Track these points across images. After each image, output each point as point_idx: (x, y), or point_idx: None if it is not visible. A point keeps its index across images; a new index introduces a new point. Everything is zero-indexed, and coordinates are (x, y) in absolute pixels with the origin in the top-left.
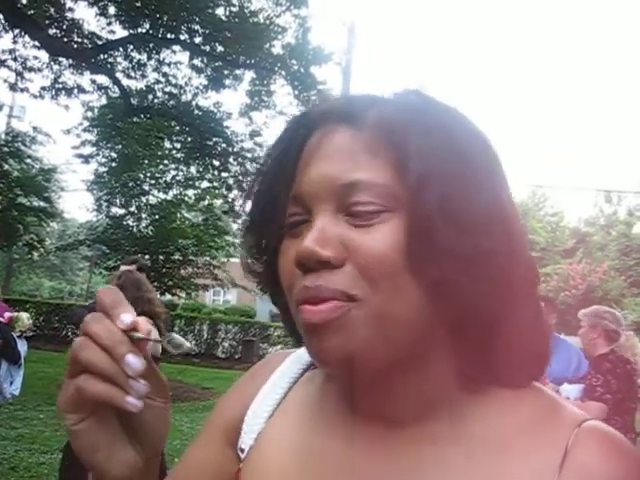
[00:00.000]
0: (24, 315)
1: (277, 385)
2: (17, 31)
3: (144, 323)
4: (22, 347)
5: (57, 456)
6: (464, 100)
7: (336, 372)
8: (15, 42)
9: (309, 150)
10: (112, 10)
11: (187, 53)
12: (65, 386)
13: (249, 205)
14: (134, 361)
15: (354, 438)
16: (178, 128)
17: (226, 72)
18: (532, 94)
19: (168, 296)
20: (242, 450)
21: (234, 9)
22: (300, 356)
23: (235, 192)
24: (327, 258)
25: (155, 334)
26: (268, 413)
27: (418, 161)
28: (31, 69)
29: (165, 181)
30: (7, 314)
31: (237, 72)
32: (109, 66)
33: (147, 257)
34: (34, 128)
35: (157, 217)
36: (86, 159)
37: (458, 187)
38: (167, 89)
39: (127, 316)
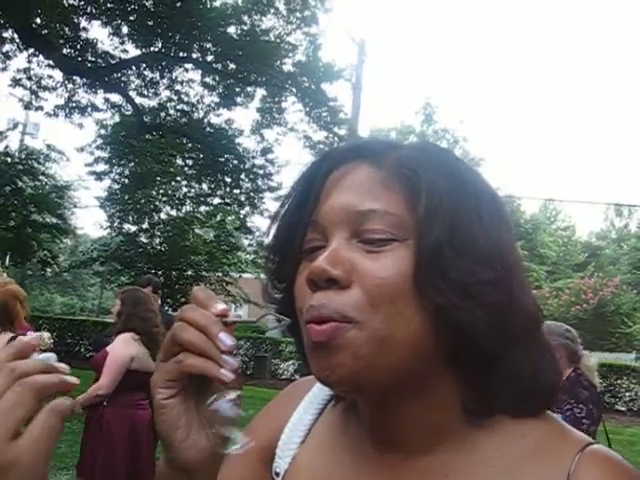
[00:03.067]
0: (45, 335)
1: (307, 412)
2: (32, 50)
3: (231, 311)
4: None
5: (73, 472)
6: (474, 115)
7: (338, 392)
8: (30, 61)
9: (331, 182)
10: (125, 29)
11: (199, 71)
12: (160, 366)
13: (272, 233)
14: (226, 339)
15: (378, 470)
16: (190, 145)
17: (237, 90)
18: (543, 108)
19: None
20: (277, 474)
21: (245, 27)
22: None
23: (247, 209)
24: (335, 276)
25: (139, 350)
26: (301, 438)
27: (428, 195)
28: (45, 88)
29: (177, 198)
30: (30, 333)
31: (248, 89)
32: (122, 84)
33: (160, 273)
34: (48, 146)
35: (170, 234)
36: (99, 176)
37: (464, 221)
38: (179, 107)
39: (219, 304)
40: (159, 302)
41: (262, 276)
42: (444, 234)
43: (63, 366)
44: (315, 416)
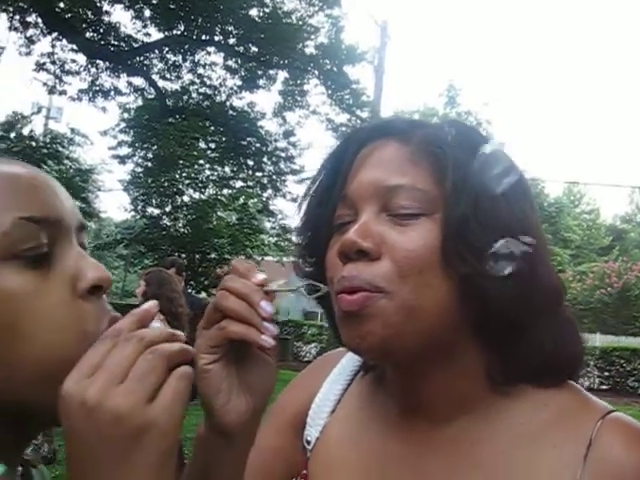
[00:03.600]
0: None
1: (336, 382)
2: (55, 35)
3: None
4: None
5: None
6: (498, 98)
7: (369, 359)
8: (53, 46)
9: (360, 159)
10: (147, 13)
11: (221, 54)
12: (203, 333)
13: (304, 209)
14: (267, 306)
15: (405, 438)
16: (212, 128)
17: (260, 72)
18: (568, 90)
19: (203, 294)
20: (308, 442)
21: (267, 10)
22: (354, 356)
23: (269, 191)
24: (365, 248)
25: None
26: (330, 408)
27: (454, 171)
28: (69, 72)
29: (200, 181)
30: None
31: (270, 72)
32: (145, 68)
33: (183, 256)
34: (72, 130)
35: (193, 217)
36: (122, 160)
37: (489, 195)
38: (202, 90)
39: (259, 274)
40: (183, 284)
41: (284, 259)
42: (469, 208)
43: (180, 334)
44: (344, 387)
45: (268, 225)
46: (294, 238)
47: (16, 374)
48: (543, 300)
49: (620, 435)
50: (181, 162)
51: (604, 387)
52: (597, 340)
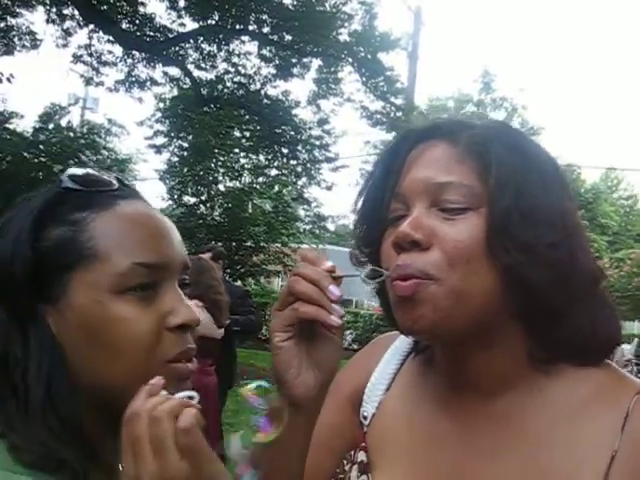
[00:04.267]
0: None
1: (390, 363)
2: (92, 27)
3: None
4: None
5: None
6: (533, 83)
7: (420, 339)
8: (90, 38)
9: (411, 159)
10: (182, 3)
11: (255, 43)
12: (277, 314)
13: (359, 205)
14: (335, 290)
15: (454, 413)
16: (247, 117)
17: (294, 61)
18: (605, 75)
19: (239, 282)
20: (365, 417)
21: None
22: (406, 339)
23: (304, 179)
24: (417, 239)
25: (204, 317)
26: (385, 386)
27: (497, 168)
28: (106, 63)
29: (235, 169)
30: None
31: (304, 60)
32: (180, 58)
33: (220, 244)
34: (109, 120)
35: (229, 205)
36: (158, 149)
37: (529, 191)
38: (236, 79)
39: (327, 262)
40: (221, 271)
41: (320, 246)
42: (512, 202)
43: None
44: (397, 367)
45: (303, 213)
46: (328, 225)
47: (114, 379)
48: (581, 285)
49: None
50: (216, 151)
51: None
52: (635, 327)
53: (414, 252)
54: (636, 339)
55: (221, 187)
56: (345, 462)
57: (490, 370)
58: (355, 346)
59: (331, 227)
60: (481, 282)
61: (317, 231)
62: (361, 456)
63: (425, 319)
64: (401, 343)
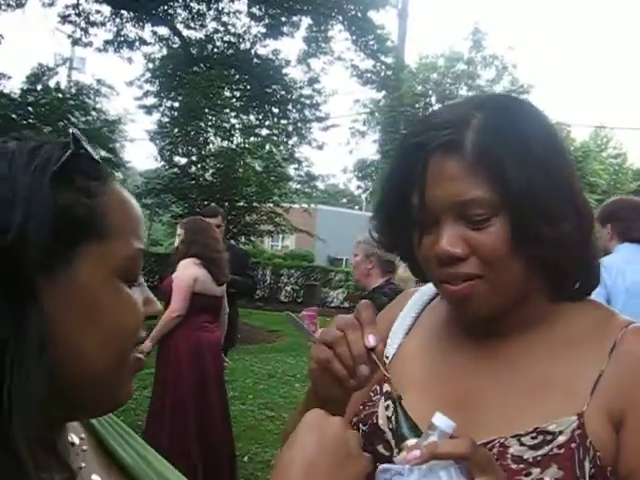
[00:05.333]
0: None
1: (411, 310)
2: None
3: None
4: None
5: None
6: (523, 40)
7: (474, 319)
8: None
9: (430, 174)
10: None
11: (245, 1)
12: (318, 347)
13: (378, 210)
14: (365, 370)
15: (471, 353)
16: (237, 77)
17: (283, 19)
18: (595, 33)
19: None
20: (386, 357)
21: None
22: (427, 288)
23: (295, 139)
24: (459, 255)
25: (201, 274)
26: (405, 330)
27: (511, 181)
28: (94, 23)
29: (226, 129)
30: None
31: (294, 19)
32: (169, 17)
33: (212, 205)
34: (98, 81)
35: (221, 166)
36: (149, 110)
37: (543, 194)
38: (226, 38)
39: (372, 338)
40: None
41: (311, 206)
42: (528, 208)
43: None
44: (417, 314)
45: (294, 173)
46: (319, 185)
47: (96, 366)
48: (588, 252)
49: (638, 335)
50: (207, 111)
51: None
52: None
53: (456, 264)
54: None
55: (213, 148)
56: (372, 394)
57: (509, 319)
58: (346, 304)
59: (321, 186)
60: (515, 272)
61: (308, 190)
62: (385, 387)
63: (479, 311)
64: (420, 295)
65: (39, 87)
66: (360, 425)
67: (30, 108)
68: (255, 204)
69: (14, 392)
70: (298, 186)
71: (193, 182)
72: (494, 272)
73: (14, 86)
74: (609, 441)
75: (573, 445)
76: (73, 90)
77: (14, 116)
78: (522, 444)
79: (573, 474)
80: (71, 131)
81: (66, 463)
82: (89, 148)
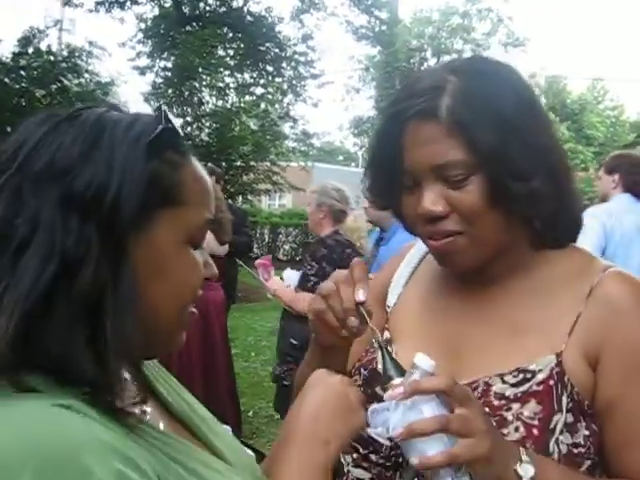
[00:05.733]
0: None
1: (409, 263)
2: None
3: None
4: None
5: None
6: None
7: (459, 272)
8: None
9: (408, 139)
10: None
11: None
12: (316, 301)
13: (369, 167)
14: (355, 322)
15: (462, 298)
16: (230, 35)
17: None
18: None
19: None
20: (388, 307)
21: None
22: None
23: (290, 97)
24: (439, 213)
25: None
26: (405, 280)
27: (482, 145)
28: None
29: (221, 89)
30: None
31: None
32: None
33: (209, 165)
34: (90, 42)
35: (217, 126)
36: (142, 71)
37: (515, 152)
38: None
39: (362, 293)
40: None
41: (308, 164)
42: (501, 167)
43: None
44: (415, 266)
45: (290, 131)
46: (314, 142)
47: (161, 317)
48: (566, 199)
49: (616, 279)
50: (200, 70)
51: None
52: None
53: (438, 222)
54: None
55: (207, 108)
56: (374, 341)
57: (495, 268)
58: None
59: (317, 144)
60: (493, 227)
61: (304, 149)
62: (385, 334)
63: (462, 264)
64: (417, 248)
65: (30, 50)
66: (361, 369)
67: (22, 72)
68: (252, 163)
69: (110, 328)
70: (294, 144)
71: (189, 143)
72: (474, 227)
73: (5, 50)
74: (586, 378)
75: (551, 382)
76: (65, 52)
77: (7, 80)
78: (504, 382)
79: (551, 408)
80: (162, 108)
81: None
82: (176, 124)
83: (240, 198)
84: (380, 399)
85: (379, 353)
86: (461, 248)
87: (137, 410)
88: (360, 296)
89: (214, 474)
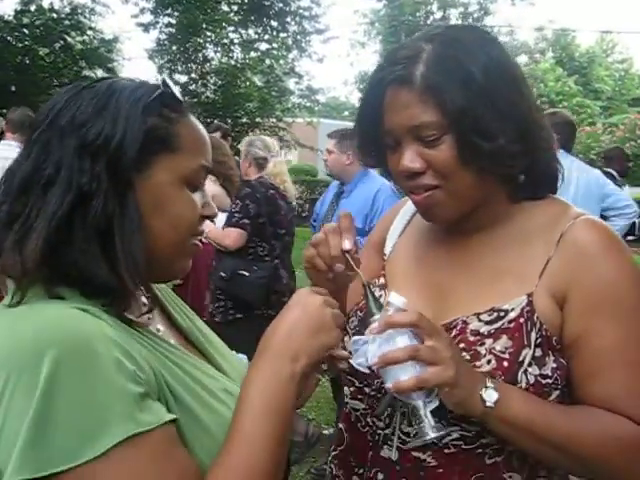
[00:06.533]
0: None
1: (404, 215)
2: None
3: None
4: None
5: None
6: None
7: (440, 225)
8: None
9: (387, 104)
10: None
11: None
12: (308, 249)
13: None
14: (340, 268)
15: (447, 246)
16: None
17: None
18: None
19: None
20: (385, 254)
21: None
22: None
23: (294, 52)
24: (417, 169)
25: (217, 190)
26: (399, 232)
27: (451, 106)
28: None
29: (225, 45)
30: None
31: None
32: None
33: (216, 122)
34: None
35: (222, 82)
36: (146, 27)
37: (483, 113)
38: None
39: (348, 243)
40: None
41: (314, 120)
42: (469, 126)
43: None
44: (409, 218)
45: (296, 87)
46: (319, 98)
47: (162, 247)
48: (537, 155)
49: (585, 225)
50: (204, 26)
51: (630, 238)
52: (626, 191)
53: (417, 177)
54: None
55: (212, 64)
56: (372, 285)
57: (475, 219)
58: None
59: (322, 99)
60: (467, 182)
61: (310, 105)
62: (381, 280)
63: (441, 216)
64: (410, 204)
65: (33, 8)
66: (357, 312)
67: (25, 30)
68: (258, 120)
69: (119, 247)
70: (299, 100)
71: (195, 100)
72: (449, 182)
73: (7, 7)
74: (554, 316)
75: (522, 320)
76: (67, 9)
77: (10, 39)
78: (480, 320)
79: (520, 343)
80: (162, 77)
81: (145, 304)
82: (175, 90)
83: None
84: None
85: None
86: (439, 201)
87: (146, 320)
88: (346, 245)
89: (209, 379)
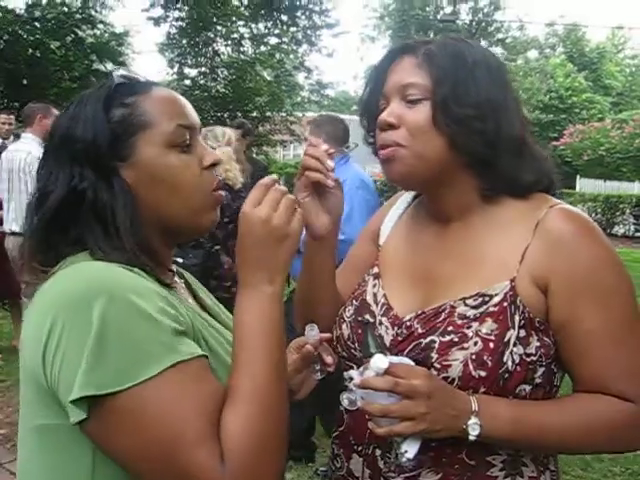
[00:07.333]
0: None
1: (399, 208)
2: None
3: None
4: None
5: None
6: None
7: (399, 184)
8: None
9: (392, 68)
10: None
11: None
12: (297, 182)
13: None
14: (331, 164)
15: (430, 235)
16: None
17: None
18: None
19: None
20: (380, 245)
21: None
22: (411, 194)
23: (304, 47)
24: (390, 122)
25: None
26: (393, 223)
27: (437, 70)
28: None
29: (235, 39)
30: None
31: None
32: None
33: (226, 116)
34: None
35: (232, 77)
36: (157, 21)
37: (462, 85)
38: None
39: (324, 145)
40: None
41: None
42: (447, 92)
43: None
44: (403, 210)
45: (306, 81)
46: (329, 92)
47: (173, 210)
48: (506, 145)
49: (559, 213)
50: (215, 20)
51: (639, 234)
52: (635, 188)
53: (390, 131)
54: None
55: (222, 58)
56: (366, 275)
57: (453, 203)
58: None
59: (332, 94)
60: (434, 146)
61: (319, 99)
62: (375, 269)
63: (399, 172)
64: (406, 197)
65: (44, 1)
66: (353, 301)
67: (37, 23)
68: (268, 114)
69: (120, 223)
70: (309, 94)
71: (205, 94)
72: (416, 143)
73: (19, 1)
74: (535, 299)
75: (505, 304)
76: (79, 3)
77: (22, 32)
78: (466, 305)
79: (505, 325)
80: (111, 71)
81: (169, 268)
82: (130, 74)
83: (255, 149)
84: (368, 324)
85: (370, 284)
86: (401, 157)
87: (177, 284)
88: (324, 145)
89: (218, 335)
